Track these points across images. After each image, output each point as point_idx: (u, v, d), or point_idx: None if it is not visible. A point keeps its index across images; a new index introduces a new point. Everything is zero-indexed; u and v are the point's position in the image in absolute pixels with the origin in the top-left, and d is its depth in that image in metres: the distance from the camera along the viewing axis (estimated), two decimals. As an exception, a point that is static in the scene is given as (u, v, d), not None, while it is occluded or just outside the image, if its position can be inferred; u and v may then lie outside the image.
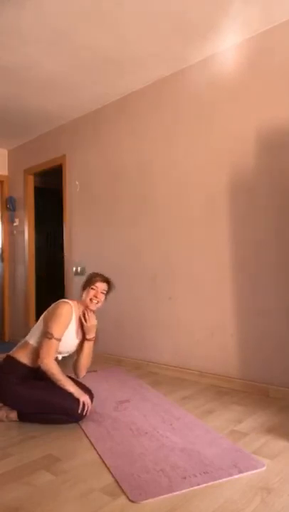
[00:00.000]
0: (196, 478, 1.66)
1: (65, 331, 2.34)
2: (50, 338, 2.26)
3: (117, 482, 1.65)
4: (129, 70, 3.33)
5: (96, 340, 2.54)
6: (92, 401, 2.38)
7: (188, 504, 1.49)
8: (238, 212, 2.94)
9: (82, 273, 4.19)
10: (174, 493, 1.56)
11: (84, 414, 2.25)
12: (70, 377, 2.39)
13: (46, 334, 2.28)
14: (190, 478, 1.66)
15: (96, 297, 2.43)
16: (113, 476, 1.70)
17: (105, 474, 1.73)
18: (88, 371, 2.65)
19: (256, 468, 1.73)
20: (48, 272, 5.57)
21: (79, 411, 2.23)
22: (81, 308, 2.47)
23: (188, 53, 3.09)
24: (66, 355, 2.47)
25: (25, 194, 5.05)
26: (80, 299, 2.49)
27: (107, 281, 2.49)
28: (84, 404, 2.25)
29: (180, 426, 2.23)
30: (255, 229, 2.84)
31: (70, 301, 2.40)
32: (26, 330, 3.08)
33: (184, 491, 1.57)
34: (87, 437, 2.11)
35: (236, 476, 1.67)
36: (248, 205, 2.88)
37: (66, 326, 2.34)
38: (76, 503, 1.52)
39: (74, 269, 4.31)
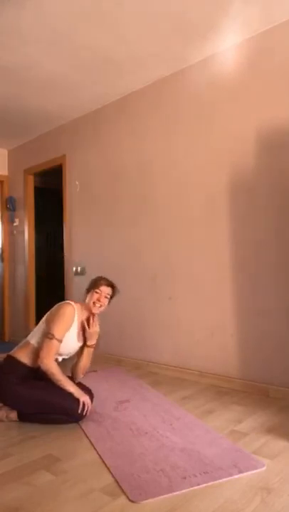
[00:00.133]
0: (196, 478, 1.66)
1: (67, 332, 2.33)
2: (51, 339, 2.26)
3: (117, 482, 1.65)
4: (129, 70, 3.33)
5: (96, 346, 2.54)
6: (92, 401, 2.38)
7: (188, 504, 1.49)
8: (238, 212, 2.94)
9: (82, 273, 4.20)
10: (174, 493, 1.56)
11: (84, 414, 2.25)
12: (69, 378, 2.40)
13: (47, 334, 2.28)
14: (190, 478, 1.66)
15: (99, 301, 2.43)
16: (113, 476, 1.70)
17: (105, 474, 1.73)
18: (88, 371, 2.65)
19: (256, 468, 1.73)
20: (48, 272, 5.57)
21: (79, 411, 2.23)
22: (84, 312, 2.47)
23: (188, 53, 3.09)
24: (66, 357, 2.47)
25: (25, 194, 5.05)
26: (83, 302, 2.49)
27: (111, 285, 2.49)
28: (84, 405, 2.25)
29: (180, 426, 2.23)
30: (255, 229, 2.84)
31: (73, 303, 2.40)
32: (26, 330, 3.09)
33: (184, 491, 1.57)
34: (87, 437, 2.11)
35: (236, 476, 1.67)
36: (248, 205, 2.88)
37: (68, 328, 2.34)
38: (76, 503, 1.52)
39: (74, 269, 4.31)
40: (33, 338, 2.39)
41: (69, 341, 2.38)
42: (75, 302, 2.45)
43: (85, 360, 2.51)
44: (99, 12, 2.56)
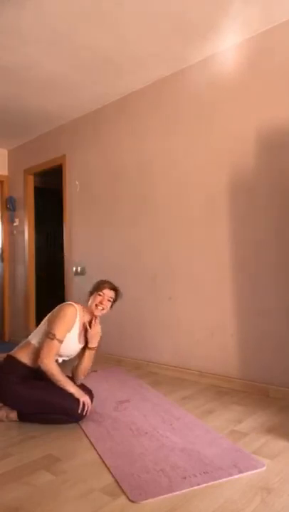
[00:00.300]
0: (196, 478, 1.66)
1: (68, 332, 2.33)
2: (52, 339, 2.26)
3: (117, 482, 1.65)
4: (129, 70, 3.33)
5: (98, 348, 2.54)
6: (92, 401, 2.38)
7: (188, 504, 1.49)
8: (238, 212, 2.94)
9: (82, 273, 4.20)
10: (174, 493, 1.56)
11: (84, 414, 2.25)
12: (70, 378, 2.40)
13: (48, 334, 2.28)
14: (190, 478, 1.66)
15: (102, 303, 2.43)
16: (113, 476, 1.70)
17: (105, 474, 1.73)
18: (88, 372, 2.64)
19: (256, 468, 1.73)
20: (48, 272, 5.57)
21: (79, 411, 2.23)
22: (86, 314, 2.46)
23: (188, 53, 3.09)
24: (67, 358, 2.46)
25: (25, 194, 5.05)
26: (85, 304, 2.49)
27: (114, 289, 2.49)
28: (84, 405, 2.25)
29: (180, 426, 2.23)
30: (255, 229, 2.84)
31: (75, 304, 2.40)
32: (26, 330, 3.09)
33: (184, 491, 1.57)
34: (87, 437, 2.11)
35: (236, 476, 1.67)
36: (248, 205, 2.88)
37: (69, 328, 2.34)
38: (76, 503, 1.52)
39: (74, 269, 4.31)
40: (34, 338, 2.39)
41: (70, 342, 2.37)
42: (77, 304, 2.45)
43: (86, 363, 2.50)
44: (99, 12, 2.57)
